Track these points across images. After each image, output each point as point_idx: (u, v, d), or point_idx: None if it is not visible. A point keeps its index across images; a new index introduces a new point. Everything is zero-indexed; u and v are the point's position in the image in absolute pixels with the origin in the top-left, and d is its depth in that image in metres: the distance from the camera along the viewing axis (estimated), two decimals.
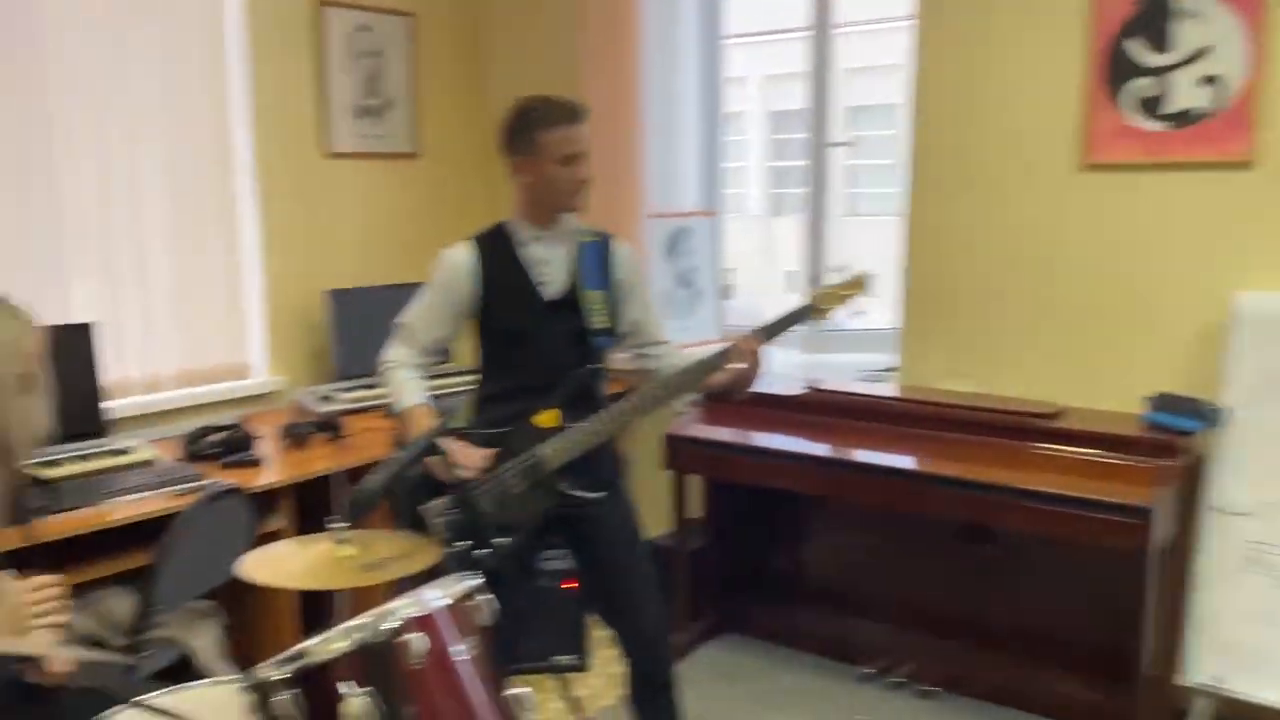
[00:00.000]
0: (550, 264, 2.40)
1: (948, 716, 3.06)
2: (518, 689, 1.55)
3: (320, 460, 2.96)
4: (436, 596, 1.51)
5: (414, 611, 1.46)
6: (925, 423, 3.06)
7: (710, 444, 3.30)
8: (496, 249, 2.42)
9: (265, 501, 2.74)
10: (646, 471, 3.46)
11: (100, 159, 3.13)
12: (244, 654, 2.90)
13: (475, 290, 2.40)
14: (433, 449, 1.79)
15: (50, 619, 1.54)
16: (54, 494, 2.56)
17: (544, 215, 2.39)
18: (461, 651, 1.50)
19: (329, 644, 1.40)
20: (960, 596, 3.23)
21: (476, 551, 2.18)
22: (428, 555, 1.98)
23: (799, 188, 3.96)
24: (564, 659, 3.34)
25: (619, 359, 2.56)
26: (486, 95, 4.27)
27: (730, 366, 2.31)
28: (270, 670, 1.40)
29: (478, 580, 1.61)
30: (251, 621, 2.88)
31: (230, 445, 2.94)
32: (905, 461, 2.97)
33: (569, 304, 2.38)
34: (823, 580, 3.50)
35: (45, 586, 1.56)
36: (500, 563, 2.28)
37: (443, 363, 3.38)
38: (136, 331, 3.25)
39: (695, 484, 3.54)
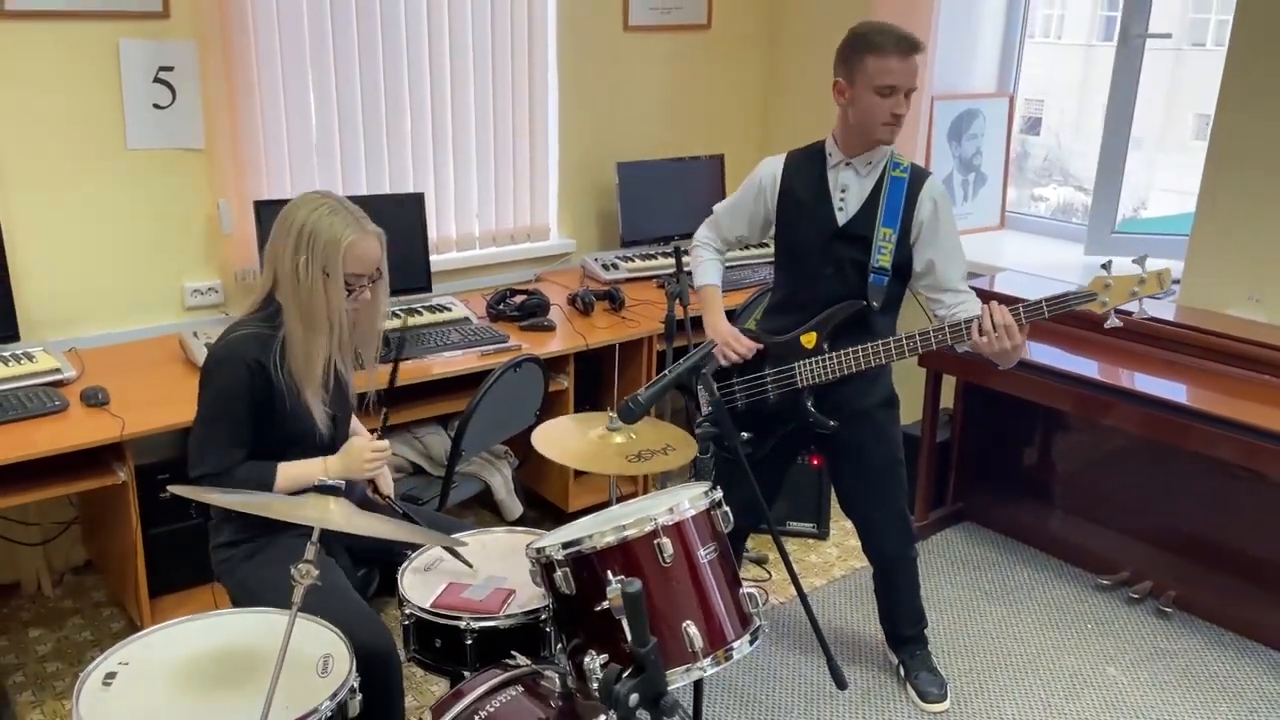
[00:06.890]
0: (852, 191, 2.45)
1: (1182, 638, 3.07)
2: (749, 588, 1.82)
3: (601, 331, 3.32)
4: (687, 507, 1.79)
5: (668, 519, 1.75)
6: (1202, 352, 2.95)
7: None
8: (806, 166, 2.50)
9: (553, 363, 3.15)
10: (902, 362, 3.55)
11: (433, 47, 3.50)
12: (530, 487, 3.42)
13: (774, 201, 2.54)
14: (700, 368, 2.03)
15: (373, 470, 2.19)
16: (393, 343, 3.06)
17: (855, 143, 2.42)
18: (705, 555, 1.78)
19: (601, 537, 1.73)
20: (1214, 522, 3.14)
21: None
22: (686, 452, 2.28)
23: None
24: (804, 525, 3.65)
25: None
26: None
27: (980, 340, 2.25)
28: (553, 550, 1.76)
29: (719, 493, 1.87)
30: (535, 463, 3.35)
31: (528, 309, 3.35)
32: (1172, 392, 2.88)
33: (858, 235, 2.43)
34: (1069, 484, 3.50)
35: (379, 449, 2.16)
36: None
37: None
38: (454, 196, 3.69)
39: (950, 377, 3.61)
